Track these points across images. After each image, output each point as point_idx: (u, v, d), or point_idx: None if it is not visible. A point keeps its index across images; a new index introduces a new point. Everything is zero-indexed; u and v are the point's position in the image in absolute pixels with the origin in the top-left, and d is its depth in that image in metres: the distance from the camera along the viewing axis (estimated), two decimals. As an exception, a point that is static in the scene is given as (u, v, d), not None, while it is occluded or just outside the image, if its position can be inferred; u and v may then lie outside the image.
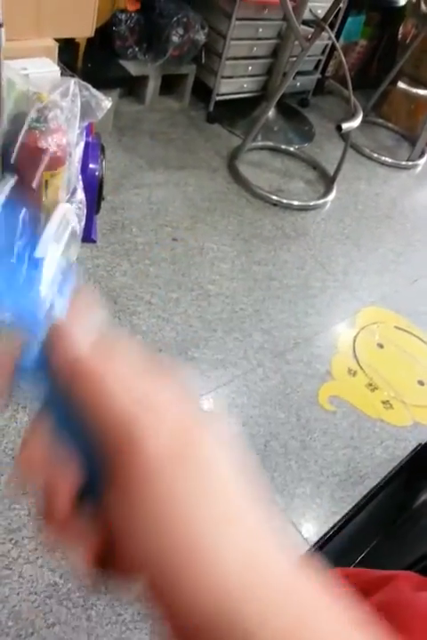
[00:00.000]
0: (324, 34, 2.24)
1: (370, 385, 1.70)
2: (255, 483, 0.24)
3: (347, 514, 1.33)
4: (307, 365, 1.68)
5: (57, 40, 1.62)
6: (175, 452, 0.23)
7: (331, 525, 1.29)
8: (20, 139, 1.30)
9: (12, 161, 1.34)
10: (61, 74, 1.48)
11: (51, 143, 1.30)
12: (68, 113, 1.33)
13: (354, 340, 1.83)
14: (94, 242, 1.78)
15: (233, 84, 2.69)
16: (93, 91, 1.36)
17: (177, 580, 0.22)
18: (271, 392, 1.56)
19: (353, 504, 1.36)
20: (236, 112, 2.77)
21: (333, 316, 1.90)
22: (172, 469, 0.23)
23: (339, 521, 1.31)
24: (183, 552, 0.22)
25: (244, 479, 0.24)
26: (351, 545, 1.26)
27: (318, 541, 1.25)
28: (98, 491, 0.24)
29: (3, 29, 1.13)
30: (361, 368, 1.74)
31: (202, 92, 2.69)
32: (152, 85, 2.52)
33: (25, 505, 1.13)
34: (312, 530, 1.30)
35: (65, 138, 1.35)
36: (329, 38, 2.88)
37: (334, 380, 1.67)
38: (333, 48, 3.03)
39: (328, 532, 1.27)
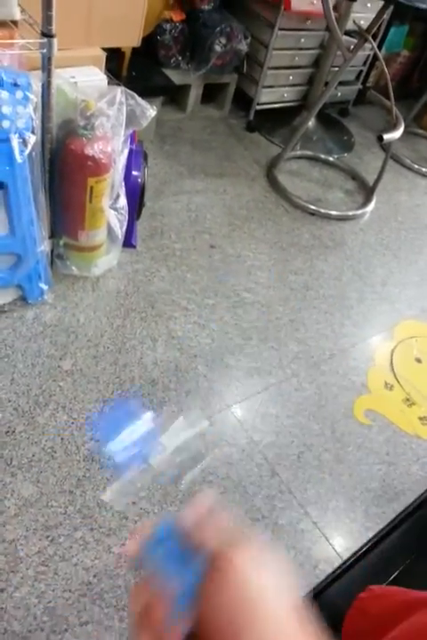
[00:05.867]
0: (366, 44, 2.22)
1: (407, 400, 1.67)
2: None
3: (381, 530, 1.30)
4: (342, 377, 1.66)
5: (104, 49, 1.66)
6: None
7: (364, 541, 1.27)
8: (67, 145, 1.33)
9: (60, 167, 1.38)
10: (108, 82, 1.52)
11: (97, 150, 1.33)
12: (114, 121, 1.37)
13: (391, 354, 1.80)
14: (134, 247, 1.81)
15: (274, 93, 2.70)
16: (139, 99, 1.39)
17: None
18: (306, 403, 1.55)
19: (388, 521, 1.33)
20: (275, 121, 2.78)
21: (370, 328, 1.87)
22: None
23: (372, 537, 1.28)
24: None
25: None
26: (384, 563, 1.23)
27: (350, 557, 1.23)
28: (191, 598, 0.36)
29: (55, 40, 1.17)
30: (398, 382, 1.71)
31: (242, 100, 2.71)
32: (194, 94, 2.56)
33: (62, 503, 1.16)
34: (345, 544, 1.28)
35: (110, 145, 1.38)
36: (371, 49, 2.86)
37: (369, 394, 1.65)
38: (375, 58, 3.00)
39: (361, 548, 1.25)
